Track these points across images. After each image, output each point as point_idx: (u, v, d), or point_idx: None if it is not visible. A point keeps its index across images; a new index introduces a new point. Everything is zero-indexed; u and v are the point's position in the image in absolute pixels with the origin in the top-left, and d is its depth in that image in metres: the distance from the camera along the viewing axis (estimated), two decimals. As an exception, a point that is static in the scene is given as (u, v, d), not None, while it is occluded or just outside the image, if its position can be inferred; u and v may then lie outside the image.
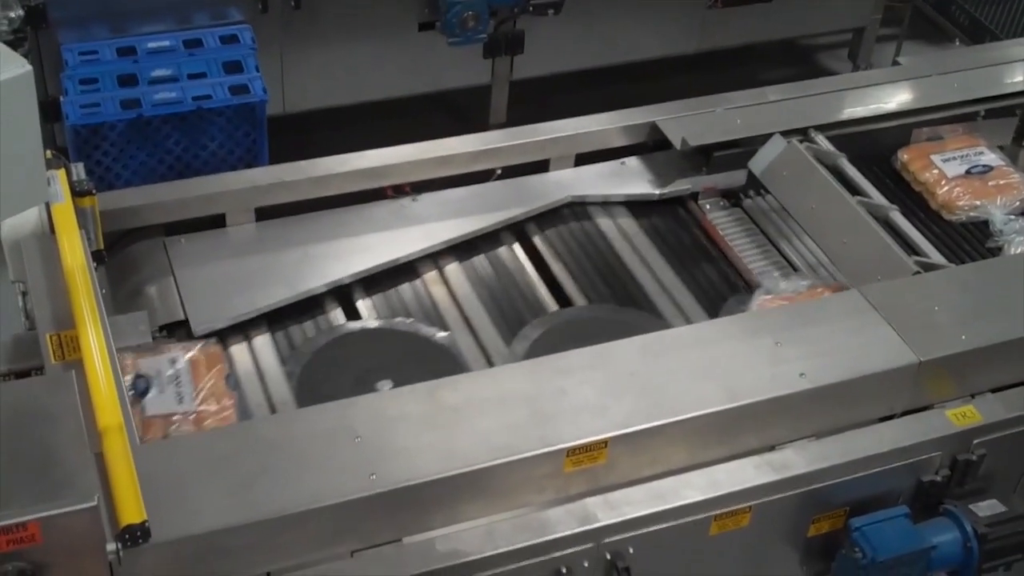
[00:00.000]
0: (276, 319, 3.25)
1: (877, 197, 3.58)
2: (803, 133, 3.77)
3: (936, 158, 3.85)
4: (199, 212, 3.41)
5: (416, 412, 2.65)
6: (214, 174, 3.61)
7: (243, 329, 3.22)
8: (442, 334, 3.23)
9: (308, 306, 3.29)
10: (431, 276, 3.45)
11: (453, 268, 3.48)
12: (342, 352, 3.17)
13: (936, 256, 3.41)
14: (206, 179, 3.54)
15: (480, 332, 3.29)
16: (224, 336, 3.17)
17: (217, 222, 3.44)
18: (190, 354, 2.98)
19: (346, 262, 3.32)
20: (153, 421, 2.82)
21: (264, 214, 3.47)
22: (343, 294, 3.35)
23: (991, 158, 3.88)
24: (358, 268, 3.32)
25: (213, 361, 2.99)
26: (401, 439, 2.59)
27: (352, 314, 3.31)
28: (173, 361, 2.96)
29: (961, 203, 3.74)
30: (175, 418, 2.84)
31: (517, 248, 3.58)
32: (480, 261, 3.52)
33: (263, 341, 3.21)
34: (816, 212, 3.51)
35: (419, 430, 2.62)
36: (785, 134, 3.73)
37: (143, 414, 2.83)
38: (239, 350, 3.19)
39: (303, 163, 3.51)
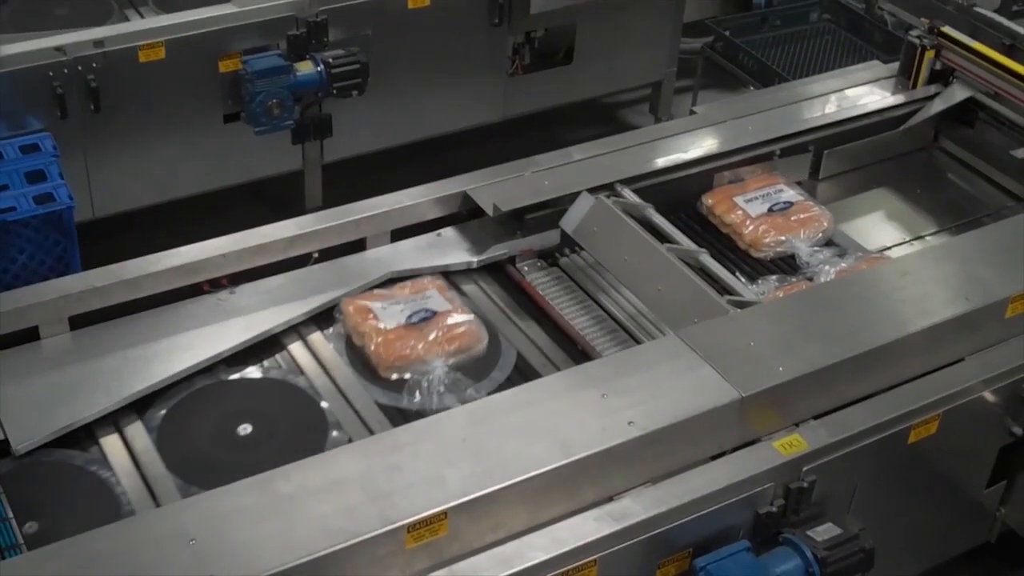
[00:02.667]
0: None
1: (686, 243, 3.69)
2: (610, 188, 3.86)
3: (739, 199, 3.99)
4: (10, 327, 3.31)
5: (250, 505, 2.62)
6: (24, 287, 3.52)
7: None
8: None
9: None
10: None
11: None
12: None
13: (748, 293, 3.52)
14: (15, 292, 3.43)
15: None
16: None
17: (31, 335, 3.35)
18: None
19: (167, 362, 3.27)
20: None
21: (79, 322, 3.39)
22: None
23: (791, 194, 4.03)
24: (180, 368, 3.26)
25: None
26: (237, 535, 2.55)
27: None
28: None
29: (767, 240, 3.87)
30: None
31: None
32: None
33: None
34: (629, 263, 3.59)
35: (255, 523, 2.58)
36: (592, 191, 3.82)
37: None
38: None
39: (114, 266, 3.45)
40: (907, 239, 4.10)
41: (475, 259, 3.75)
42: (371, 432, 3.16)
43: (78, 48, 4.55)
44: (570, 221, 3.76)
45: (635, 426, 2.90)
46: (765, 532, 3.06)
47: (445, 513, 2.67)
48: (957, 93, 4.47)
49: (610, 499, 2.91)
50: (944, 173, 4.46)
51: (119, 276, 3.42)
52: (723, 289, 3.50)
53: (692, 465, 3.02)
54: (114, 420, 3.19)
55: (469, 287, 3.74)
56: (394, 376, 3.34)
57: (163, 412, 3.22)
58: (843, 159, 4.36)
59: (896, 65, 4.60)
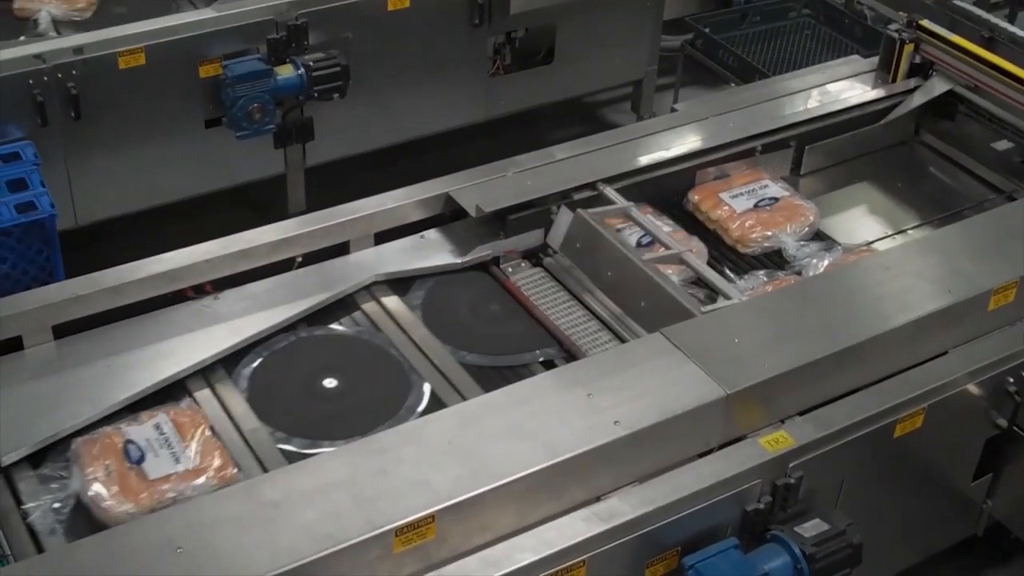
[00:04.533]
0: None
1: (670, 243, 3.69)
2: (593, 187, 3.87)
3: (725, 196, 4.01)
4: (-7, 337, 3.31)
5: (236, 513, 2.62)
6: (7, 296, 3.50)
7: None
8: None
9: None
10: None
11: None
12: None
13: (734, 292, 3.52)
14: (-3, 302, 3.44)
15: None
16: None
17: (14, 345, 3.33)
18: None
19: (151, 370, 3.25)
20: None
21: (63, 331, 3.38)
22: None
23: (775, 189, 4.05)
24: (164, 375, 3.25)
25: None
26: (223, 543, 2.55)
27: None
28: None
29: (754, 235, 3.89)
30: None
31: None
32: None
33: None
34: (612, 278, 3.61)
35: (241, 531, 2.58)
36: (576, 190, 3.83)
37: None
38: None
39: (96, 274, 3.44)
40: (889, 233, 4.11)
41: (459, 260, 3.75)
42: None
43: (57, 55, 4.53)
44: (555, 237, 3.78)
45: (621, 425, 2.90)
46: (753, 529, 3.07)
47: (432, 516, 2.66)
48: (937, 86, 4.48)
49: (597, 499, 2.92)
50: (925, 166, 4.47)
51: (102, 284, 3.40)
52: (711, 291, 3.51)
53: (679, 463, 3.02)
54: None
55: (453, 289, 3.74)
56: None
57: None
58: (824, 154, 4.37)
59: (876, 59, 4.60)
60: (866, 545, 3.09)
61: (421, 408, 3.25)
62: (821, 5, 6.12)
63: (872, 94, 4.47)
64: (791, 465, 3.08)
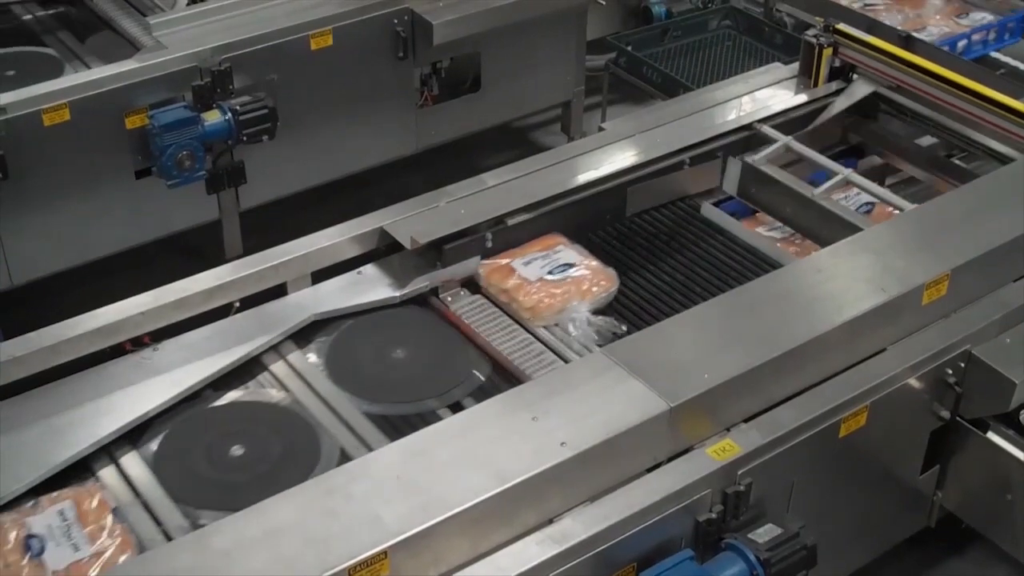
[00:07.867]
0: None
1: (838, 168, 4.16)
2: (528, 211, 3.89)
3: None
4: (-73, 406, 3.27)
5: (186, 564, 2.59)
6: (-60, 364, 3.46)
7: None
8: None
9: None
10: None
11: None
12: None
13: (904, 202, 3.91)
14: (-68, 370, 3.39)
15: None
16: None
17: (-48, 412, 3.30)
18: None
19: (92, 427, 3.22)
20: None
21: (1, 394, 3.32)
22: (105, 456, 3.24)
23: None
24: (106, 431, 3.22)
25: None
26: (175, 596, 2.53)
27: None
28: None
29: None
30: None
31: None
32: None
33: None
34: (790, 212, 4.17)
35: (193, 582, 2.56)
36: (510, 214, 3.85)
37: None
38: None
39: (31, 335, 3.39)
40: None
41: (398, 294, 3.74)
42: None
43: (-20, 117, 4.50)
44: (730, 185, 4.29)
45: (567, 446, 2.90)
46: (707, 539, 3.08)
47: (385, 552, 2.65)
48: (859, 89, 4.54)
49: (550, 521, 2.92)
50: (854, 167, 4.52)
51: (38, 344, 3.36)
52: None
53: (628, 479, 3.03)
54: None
55: (393, 322, 3.73)
56: None
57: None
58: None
59: (796, 66, 4.65)
60: (820, 545, 3.11)
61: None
62: (740, 16, 6.19)
63: (795, 100, 4.52)
64: (740, 472, 3.10)
